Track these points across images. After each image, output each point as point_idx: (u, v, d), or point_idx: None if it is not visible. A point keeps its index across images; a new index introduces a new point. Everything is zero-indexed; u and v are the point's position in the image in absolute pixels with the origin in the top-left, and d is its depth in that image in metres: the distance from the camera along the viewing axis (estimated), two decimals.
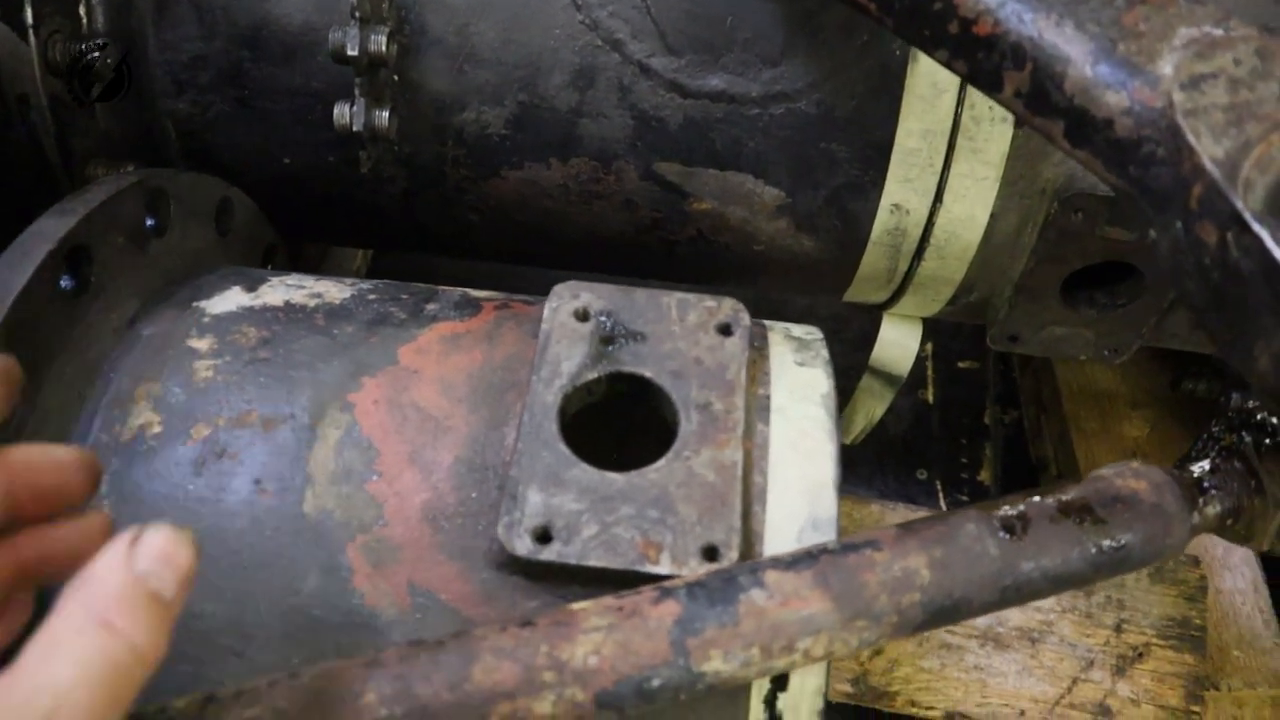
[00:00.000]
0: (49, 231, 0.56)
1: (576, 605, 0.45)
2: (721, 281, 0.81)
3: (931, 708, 0.84)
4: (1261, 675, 0.90)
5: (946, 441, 1.02)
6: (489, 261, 0.84)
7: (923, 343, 0.92)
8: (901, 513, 0.91)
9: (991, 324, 0.80)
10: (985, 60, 0.49)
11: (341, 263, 1.04)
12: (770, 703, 0.51)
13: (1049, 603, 0.86)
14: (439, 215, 0.76)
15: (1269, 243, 0.38)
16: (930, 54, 0.53)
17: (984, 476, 1.01)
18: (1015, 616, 0.86)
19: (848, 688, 0.85)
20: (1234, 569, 0.94)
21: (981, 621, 0.86)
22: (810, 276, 0.78)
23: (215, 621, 0.52)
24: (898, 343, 0.86)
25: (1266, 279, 0.38)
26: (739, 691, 0.51)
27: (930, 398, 1.06)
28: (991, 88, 0.50)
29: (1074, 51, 0.46)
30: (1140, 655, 0.85)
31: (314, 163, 0.73)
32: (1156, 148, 0.43)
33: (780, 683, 0.51)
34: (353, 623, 0.52)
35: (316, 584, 0.52)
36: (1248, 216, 0.38)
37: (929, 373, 1.07)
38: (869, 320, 0.70)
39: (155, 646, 0.36)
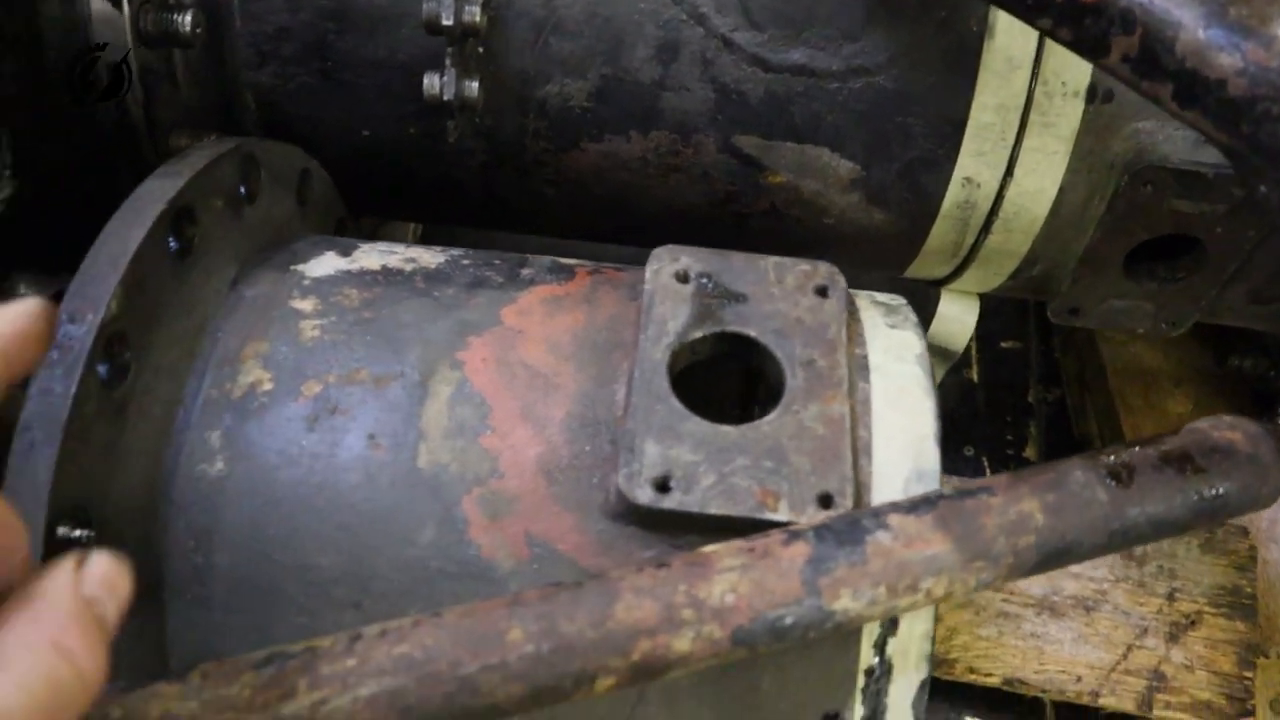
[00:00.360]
0: (158, 193, 0.56)
1: (709, 548, 0.46)
2: (789, 255, 0.83)
3: (990, 674, 0.86)
4: None
5: (991, 419, 1.04)
6: (557, 238, 0.85)
7: None
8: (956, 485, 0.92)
9: (1052, 297, 0.82)
10: (1092, 26, 0.50)
11: (392, 236, 1.05)
12: (880, 646, 0.53)
13: (1102, 572, 0.88)
14: (516, 188, 0.77)
15: None
16: (1031, 22, 0.54)
17: (1029, 453, 1.03)
18: (1070, 586, 0.88)
19: None
20: (1279, 541, 0.96)
21: (1037, 590, 0.88)
22: (877, 250, 0.80)
23: (331, 573, 0.53)
24: (956, 318, 0.87)
25: None
26: (850, 636, 0.52)
27: (975, 376, 1.07)
28: (1096, 54, 0.51)
29: (1185, 16, 0.47)
30: (1193, 623, 0.87)
31: (395, 135, 0.74)
32: (1271, 105, 0.45)
33: (890, 627, 0.53)
34: (470, 574, 0.53)
35: (433, 536, 0.53)
36: None
37: (973, 352, 1.09)
38: (914, 303, 0.72)
39: (99, 671, 0.35)
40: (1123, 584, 0.88)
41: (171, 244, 0.58)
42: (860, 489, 0.53)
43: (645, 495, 0.50)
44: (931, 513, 0.48)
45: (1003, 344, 1.09)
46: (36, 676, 0.33)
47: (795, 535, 0.47)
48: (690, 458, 0.51)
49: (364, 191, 0.79)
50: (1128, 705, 0.85)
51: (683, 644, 0.44)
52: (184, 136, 0.73)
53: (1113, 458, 0.51)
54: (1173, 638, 0.86)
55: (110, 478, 0.52)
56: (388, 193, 0.81)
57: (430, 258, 0.65)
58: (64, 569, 0.36)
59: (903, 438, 0.55)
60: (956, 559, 0.47)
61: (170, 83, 0.72)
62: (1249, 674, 0.85)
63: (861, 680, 0.53)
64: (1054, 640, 0.86)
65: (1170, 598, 0.87)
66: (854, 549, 0.46)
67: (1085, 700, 0.86)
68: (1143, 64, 0.49)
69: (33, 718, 0.32)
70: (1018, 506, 0.49)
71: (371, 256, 0.64)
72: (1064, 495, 0.49)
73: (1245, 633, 0.87)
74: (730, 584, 0.45)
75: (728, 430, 0.52)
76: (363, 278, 0.62)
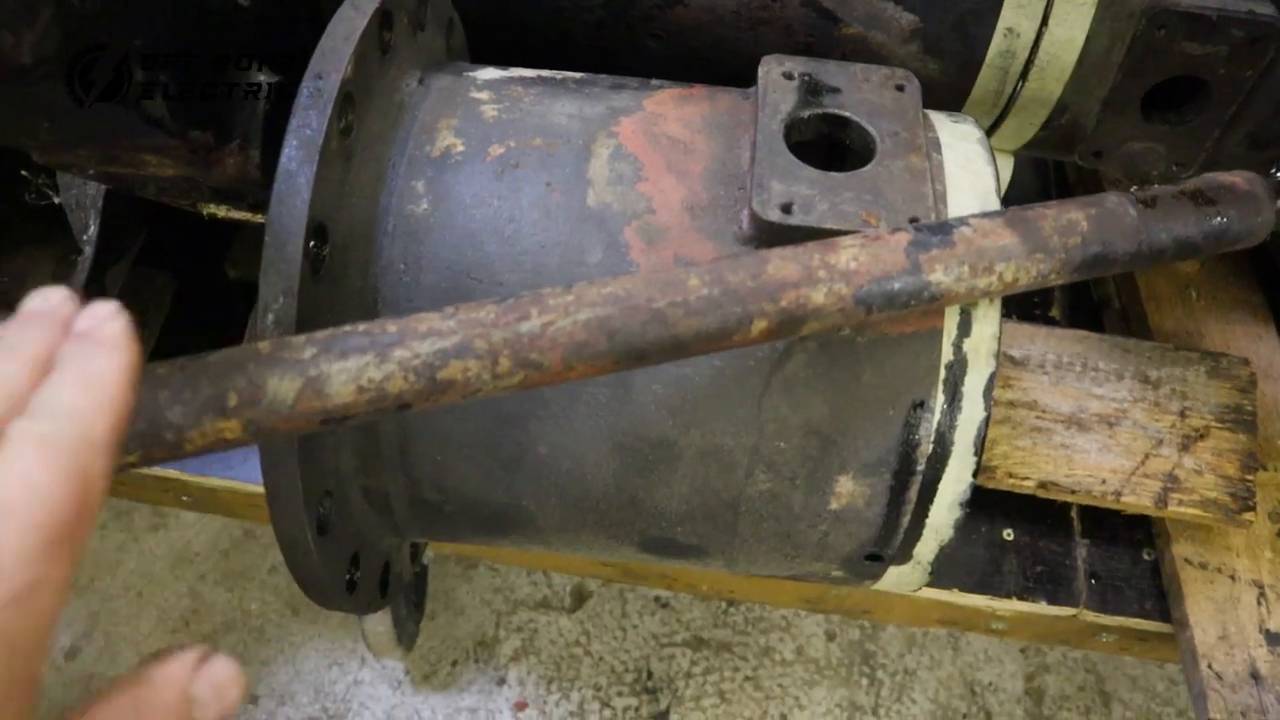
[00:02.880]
0: None
1: (835, 237, 0.60)
2: None
3: (1026, 479, 0.99)
4: None
5: None
6: None
7: None
8: None
9: (1074, 148, 0.95)
10: None
11: None
12: (958, 345, 0.66)
13: (1123, 393, 1.01)
14: (623, 42, 0.90)
15: None
16: None
17: (1055, 313, 1.16)
18: (1094, 405, 1.01)
19: None
20: (1276, 379, 1.09)
21: (1065, 409, 1.01)
22: (930, 99, 0.93)
23: (517, 288, 0.66)
24: None
25: None
26: (934, 335, 0.66)
27: None
28: None
29: None
30: (1202, 435, 1.00)
31: None
32: None
33: (965, 329, 0.66)
34: None
35: (600, 258, 0.66)
36: None
37: None
38: None
39: None
40: (1140, 403, 1.01)
41: (379, 39, 0.71)
42: (940, 219, 0.66)
43: (774, 214, 0.63)
44: (1002, 217, 0.61)
45: None
46: None
47: (900, 228, 0.60)
48: (807, 191, 0.65)
49: (485, 45, 0.92)
50: (1146, 503, 0.98)
51: (818, 297, 0.57)
52: None
53: (1141, 191, 0.65)
54: (1184, 447, 0.99)
55: (339, 209, 0.65)
56: (506, 47, 0.94)
57: (573, 74, 0.78)
58: (184, 661, 0.38)
59: (970, 191, 0.69)
60: (1021, 249, 0.60)
61: None
62: (1250, 477, 0.98)
63: (943, 373, 0.66)
64: (1081, 450, 0.99)
65: (1182, 415, 1.01)
66: (945, 237, 0.59)
67: (1109, 501, 0.99)
68: None
69: None
70: (1068, 215, 0.62)
71: (524, 70, 0.78)
72: (1103, 211, 0.63)
73: (1247, 443, 1.00)
74: (854, 255, 0.58)
75: (835, 174, 0.66)
76: (523, 80, 0.75)
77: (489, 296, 0.67)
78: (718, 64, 0.91)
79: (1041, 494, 0.99)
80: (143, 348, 0.40)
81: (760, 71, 0.72)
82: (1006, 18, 0.87)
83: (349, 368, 0.52)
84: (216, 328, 1.09)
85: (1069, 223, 0.62)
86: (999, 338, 0.66)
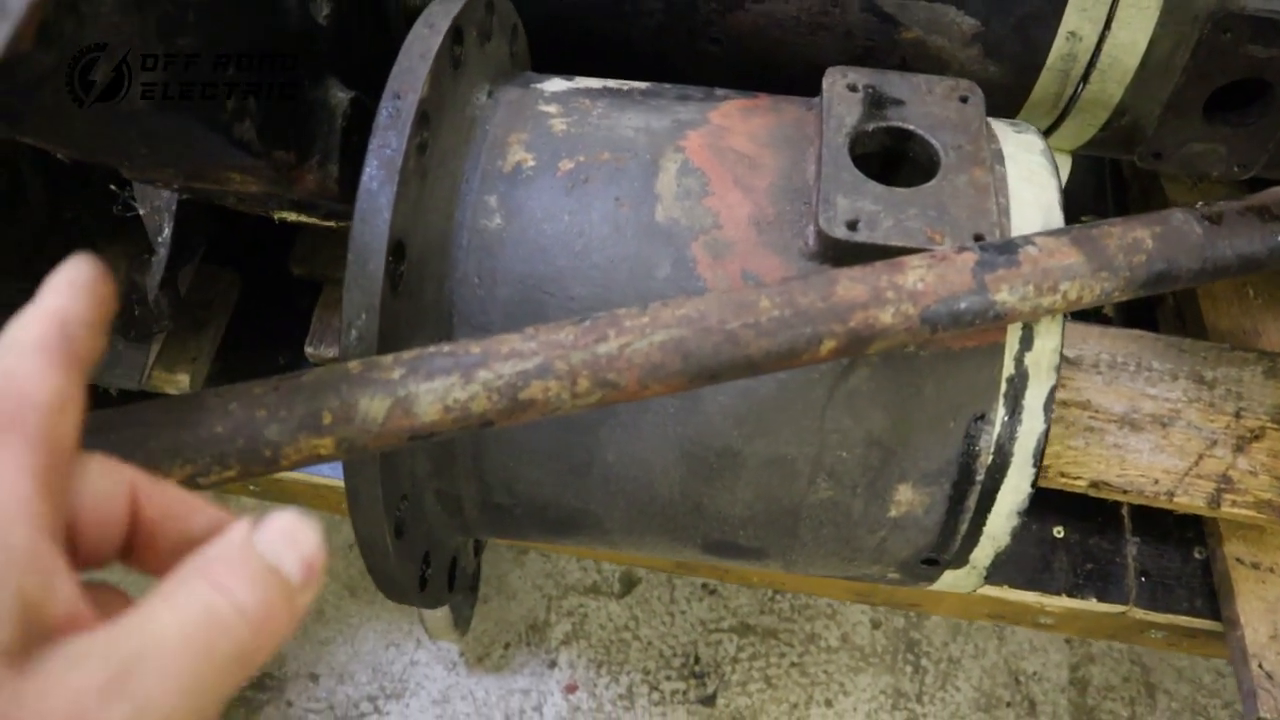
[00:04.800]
0: (444, 14, 0.71)
1: (901, 257, 0.61)
2: None
3: (1078, 478, 1.00)
4: None
5: None
6: None
7: None
8: None
9: (1134, 148, 0.95)
10: None
11: None
12: (1019, 359, 0.67)
13: (1176, 393, 1.01)
14: (684, 47, 0.91)
15: None
16: None
17: (1109, 311, 1.17)
18: (1148, 405, 1.01)
19: None
20: None
21: (1118, 409, 1.01)
22: (989, 101, 0.93)
23: (587, 302, 0.68)
24: None
25: None
26: (995, 349, 0.67)
27: None
28: None
29: None
30: (1257, 437, 1.00)
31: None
32: None
33: (1027, 343, 0.67)
34: None
35: (668, 272, 0.68)
36: None
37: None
38: None
39: (266, 616, 0.35)
40: (1195, 404, 1.01)
41: (451, 55, 0.73)
42: (1004, 235, 0.67)
43: (840, 231, 0.65)
44: (1067, 236, 0.62)
45: (1083, 217, 1.23)
46: (189, 608, 0.33)
47: (965, 248, 0.61)
48: (872, 208, 0.66)
49: (549, 51, 0.94)
50: (1199, 504, 0.98)
51: (885, 317, 0.59)
52: None
53: (1206, 206, 0.65)
54: (1239, 449, 1.00)
55: (417, 225, 0.67)
56: (569, 52, 0.95)
57: (638, 83, 0.80)
58: (238, 524, 0.37)
59: (1034, 204, 0.69)
60: (1086, 268, 0.61)
61: None
62: None
63: (1004, 386, 0.67)
64: (1134, 450, 1.00)
65: (1237, 415, 1.01)
66: (1010, 257, 0.61)
67: (1161, 501, 0.99)
68: None
69: (183, 646, 0.32)
70: (1133, 234, 0.63)
71: (589, 81, 0.79)
72: (1169, 229, 0.64)
73: None
74: (920, 275, 0.59)
75: (900, 190, 0.67)
76: (590, 92, 0.77)
77: (560, 310, 0.69)
78: (777, 69, 0.92)
79: (1094, 493, 1.00)
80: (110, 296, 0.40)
81: (825, 83, 0.73)
82: (1069, 21, 0.86)
83: (435, 388, 0.54)
84: (280, 323, 1.12)
85: (1134, 241, 0.62)
86: (1060, 351, 0.67)
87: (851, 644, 1.39)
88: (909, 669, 1.38)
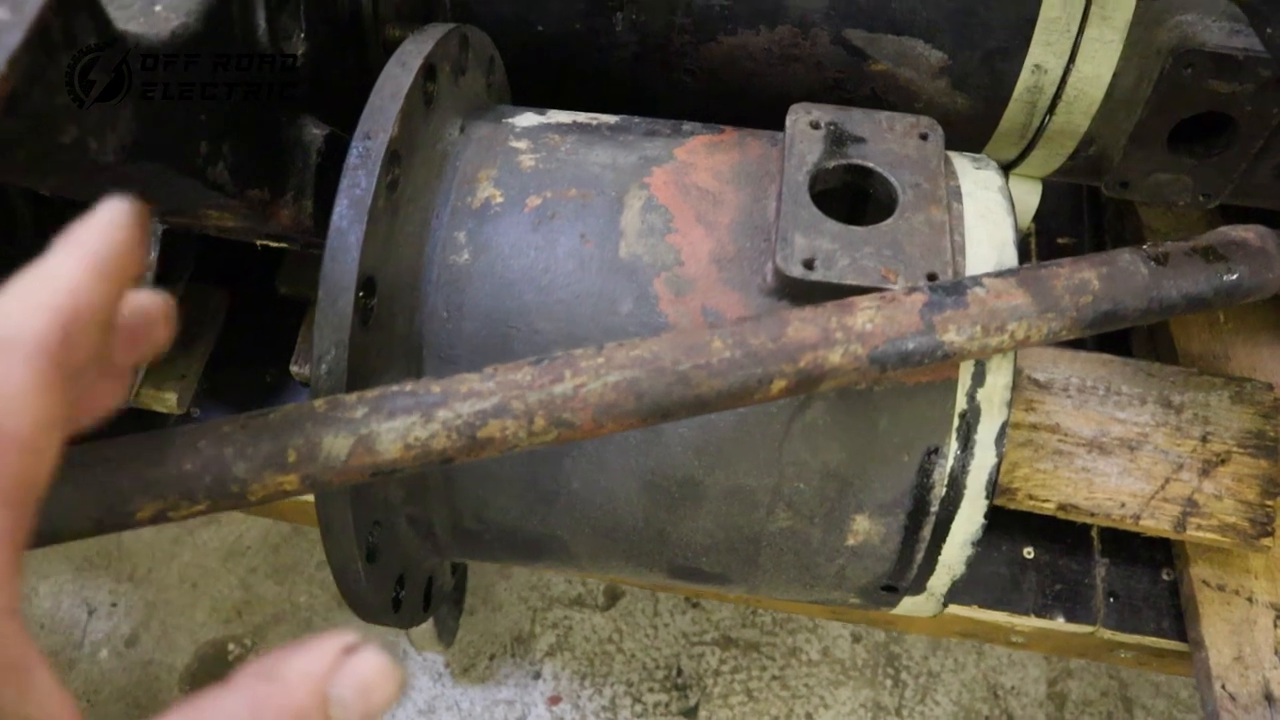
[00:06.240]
0: (416, 52, 0.73)
1: (852, 297, 0.63)
2: None
3: (1046, 501, 1.01)
4: None
5: None
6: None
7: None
8: None
9: (1101, 177, 0.97)
10: None
11: None
12: (971, 395, 0.69)
13: (1145, 417, 1.03)
14: (659, 78, 0.93)
15: None
16: None
17: None
18: (1116, 429, 1.03)
19: None
20: None
21: (1087, 432, 1.03)
22: (958, 132, 0.95)
23: (552, 337, 0.70)
24: (1021, 200, 1.03)
25: None
26: (948, 385, 0.68)
27: None
28: None
29: None
30: (1223, 461, 1.01)
31: (562, 30, 0.91)
32: None
33: (979, 379, 0.69)
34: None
35: (631, 308, 0.70)
36: None
37: (1033, 246, 1.24)
38: None
39: None
40: (1162, 428, 1.03)
41: (423, 92, 0.75)
42: (957, 274, 0.69)
43: (797, 270, 0.66)
44: (1015, 277, 0.64)
45: (1059, 239, 1.25)
46: None
47: (915, 289, 0.63)
48: (829, 246, 0.68)
49: (528, 80, 0.96)
50: (1165, 527, 1.00)
51: (834, 358, 0.60)
52: (396, 28, 0.90)
53: (1153, 247, 0.67)
54: (1205, 472, 1.01)
55: (387, 261, 0.69)
56: (548, 82, 0.97)
57: (607, 117, 0.81)
58: (326, 652, 0.32)
59: (989, 242, 0.71)
60: (1033, 309, 0.63)
61: None
62: (1270, 503, 1.00)
63: (957, 421, 0.69)
64: (1102, 474, 1.02)
65: (1204, 439, 1.02)
66: (958, 298, 0.62)
67: (1128, 524, 1.01)
68: None
69: None
70: (1080, 275, 0.64)
71: (561, 115, 0.81)
72: (1115, 269, 0.65)
73: (1268, 469, 1.01)
74: (869, 317, 0.61)
75: (856, 229, 0.69)
76: (560, 127, 0.79)
77: (526, 344, 0.71)
78: (751, 98, 0.94)
79: (1061, 516, 1.02)
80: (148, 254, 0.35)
81: (788, 120, 0.75)
82: (1034, 54, 0.88)
83: (397, 427, 0.56)
84: (268, 342, 1.15)
85: (1081, 282, 0.64)
86: (1012, 388, 0.69)
87: (832, 657, 1.40)
88: (889, 683, 1.40)
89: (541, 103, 1.07)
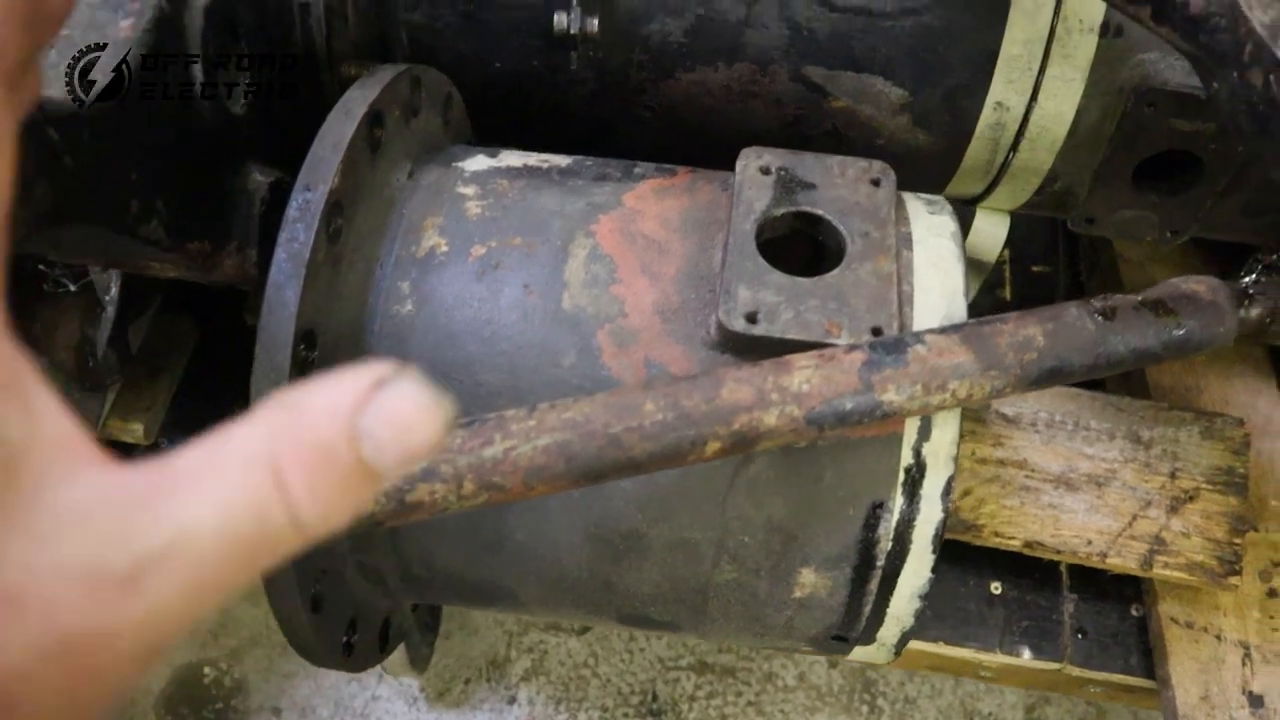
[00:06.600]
0: (361, 99, 0.73)
1: (790, 355, 0.62)
2: None
3: (1012, 538, 1.00)
4: None
5: None
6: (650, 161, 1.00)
7: (1002, 248, 1.08)
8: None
9: (1068, 211, 0.96)
10: None
11: None
12: (917, 450, 0.68)
13: (1113, 453, 1.02)
14: (619, 114, 0.92)
15: None
16: None
17: None
18: (1084, 465, 1.02)
19: None
20: (1275, 435, 1.09)
21: (1055, 468, 1.02)
22: (921, 168, 0.94)
23: (496, 388, 0.70)
24: (989, 232, 1.02)
25: None
26: (894, 439, 0.68)
27: (1008, 296, 1.22)
28: None
29: None
30: (1191, 498, 1.00)
31: (521, 67, 0.90)
32: (1220, 19, 0.59)
33: (925, 433, 0.68)
34: (601, 389, 0.68)
35: (574, 360, 0.69)
36: None
37: (1007, 274, 1.23)
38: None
39: (325, 524, 0.26)
40: (1131, 464, 1.02)
41: (369, 140, 0.74)
42: (904, 326, 0.68)
43: (739, 324, 0.66)
44: (958, 333, 0.63)
45: (1034, 268, 1.23)
46: (237, 508, 0.25)
47: (855, 347, 0.62)
48: (773, 299, 0.67)
49: (489, 118, 0.95)
50: (1131, 565, 0.99)
51: (770, 419, 0.60)
52: (352, 66, 0.89)
53: (1101, 301, 0.66)
54: (1173, 509, 1.00)
55: (329, 313, 0.69)
56: (509, 119, 0.97)
57: (559, 159, 0.81)
58: (356, 381, 0.26)
59: (938, 291, 0.70)
60: (976, 367, 0.62)
61: (343, 21, 0.88)
62: (1238, 540, 0.99)
63: (902, 476, 0.68)
64: (1069, 510, 1.01)
65: (1172, 476, 1.01)
66: (898, 356, 0.61)
67: (1094, 561, 1.00)
68: None
69: (216, 553, 0.25)
70: (1024, 331, 0.63)
71: (512, 157, 0.81)
72: (1061, 325, 0.64)
73: (1237, 506, 1.00)
74: (806, 377, 0.60)
75: (802, 280, 0.68)
76: (509, 172, 0.78)
77: (469, 396, 0.70)
78: (711, 134, 0.93)
79: (1028, 553, 1.01)
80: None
81: (738, 165, 0.74)
82: (996, 92, 0.87)
83: None
84: (235, 373, 1.14)
85: (1025, 339, 0.63)
86: (958, 442, 0.68)
87: (808, 683, 1.40)
88: (865, 709, 1.39)
89: (503, 136, 1.07)
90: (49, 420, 0.26)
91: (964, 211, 1.04)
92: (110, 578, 0.24)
